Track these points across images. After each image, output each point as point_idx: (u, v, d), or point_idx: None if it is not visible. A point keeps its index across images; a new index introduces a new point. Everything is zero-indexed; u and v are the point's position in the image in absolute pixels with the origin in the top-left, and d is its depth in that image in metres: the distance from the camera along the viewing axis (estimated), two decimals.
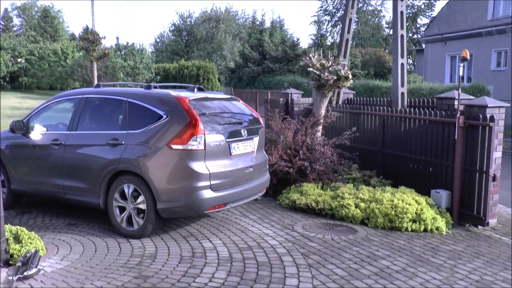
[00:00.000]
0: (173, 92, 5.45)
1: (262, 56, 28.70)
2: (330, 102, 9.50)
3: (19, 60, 34.01)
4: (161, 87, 5.90)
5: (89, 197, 5.71)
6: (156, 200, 5.16)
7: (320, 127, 8.60)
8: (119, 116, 5.81)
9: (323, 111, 8.74)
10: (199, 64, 27.79)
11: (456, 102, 6.74)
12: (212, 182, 5.18)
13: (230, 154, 5.49)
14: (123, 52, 25.67)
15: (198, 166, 5.09)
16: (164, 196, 5.11)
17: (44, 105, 6.44)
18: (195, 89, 5.93)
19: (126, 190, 5.39)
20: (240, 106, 6.19)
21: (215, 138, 5.27)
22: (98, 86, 6.34)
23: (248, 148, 5.82)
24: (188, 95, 5.44)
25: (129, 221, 5.46)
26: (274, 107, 11.52)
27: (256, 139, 6.01)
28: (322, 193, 7.08)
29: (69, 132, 5.94)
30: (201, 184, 5.10)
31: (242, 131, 5.72)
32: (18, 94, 30.63)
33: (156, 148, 5.15)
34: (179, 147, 5.06)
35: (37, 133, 6.25)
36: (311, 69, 8.50)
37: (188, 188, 5.07)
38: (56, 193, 6.07)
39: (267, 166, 6.47)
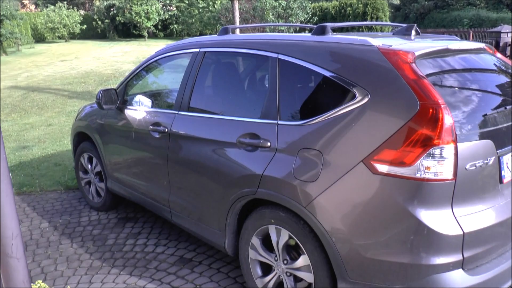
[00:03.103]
0: (375, 40, 2.43)
1: None
2: None
3: (170, 8, 33.85)
4: (335, 30, 2.91)
5: (206, 230, 3.21)
6: (336, 275, 2.39)
7: None
8: (262, 89, 3.11)
9: None
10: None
11: None
12: (467, 254, 2.19)
13: (501, 182, 2.43)
14: None
15: (437, 217, 2.13)
16: (354, 272, 2.31)
17: (144, 65, 3.98)
18: (413, 32, 2.79)
19: (273, 238, 2.72)
20: (499, 63, 2.99)
21: (474, 149, 2.21)
22: (224, 31, 3.50)
23: None
24: (409, 48, 2.37)
25: None
26: None
27: None
28: None
29: (176, 112, 3.41)
30: (443, 259, 2.14)
31: None
32: (169, 41, 30.33)
33: (340, 164, 2.30)
34: (395, 169, 2.17)
35: (141, 110, 3.85)
36: None
37: (414, 267, 2.16)
38: (160, 209, 3.70)
39: None
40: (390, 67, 2.24)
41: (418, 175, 2.10)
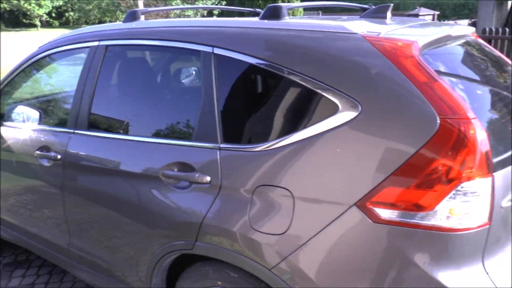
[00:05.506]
0: (353, 25, 1.72)
1: None
2: None
3: None
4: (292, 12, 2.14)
5: None
6: None
7: None
8: (192, 98, 2.27)
9: None
10: None
11: None
12: None
13: None
14: None
15: (466, 278, 1.46)
16: None
17: (26, 64, 2.95)
18: (388, 13, 1.98)
19: None
20: (489, 50, 2.38)
21: (508, 177, 1.58)
22: (131, 15, 2.48)
23: None
24: (407, 36, 1.66)
25: None
26: None
27: None
28: None
29: (71, 131, 2.48)
30: None
31: None
32: (66, 31, 27.92)
33: (321, 209, 1.57)
34: (406, 216, 1.45)
35: (24, 127, 2.82)
36: None
37: None
38: (59, 260, 2.76)
39: None
40: (387, 65, 1.53)
41: (440, 224, 1.43)
